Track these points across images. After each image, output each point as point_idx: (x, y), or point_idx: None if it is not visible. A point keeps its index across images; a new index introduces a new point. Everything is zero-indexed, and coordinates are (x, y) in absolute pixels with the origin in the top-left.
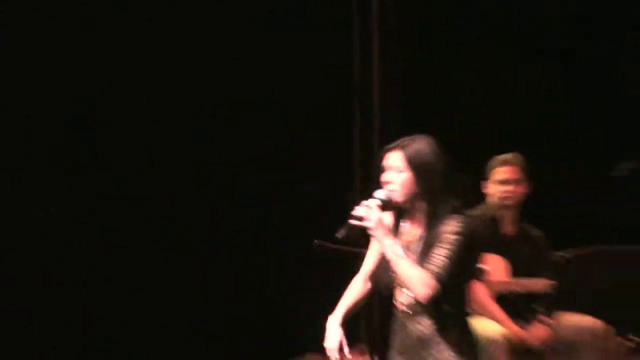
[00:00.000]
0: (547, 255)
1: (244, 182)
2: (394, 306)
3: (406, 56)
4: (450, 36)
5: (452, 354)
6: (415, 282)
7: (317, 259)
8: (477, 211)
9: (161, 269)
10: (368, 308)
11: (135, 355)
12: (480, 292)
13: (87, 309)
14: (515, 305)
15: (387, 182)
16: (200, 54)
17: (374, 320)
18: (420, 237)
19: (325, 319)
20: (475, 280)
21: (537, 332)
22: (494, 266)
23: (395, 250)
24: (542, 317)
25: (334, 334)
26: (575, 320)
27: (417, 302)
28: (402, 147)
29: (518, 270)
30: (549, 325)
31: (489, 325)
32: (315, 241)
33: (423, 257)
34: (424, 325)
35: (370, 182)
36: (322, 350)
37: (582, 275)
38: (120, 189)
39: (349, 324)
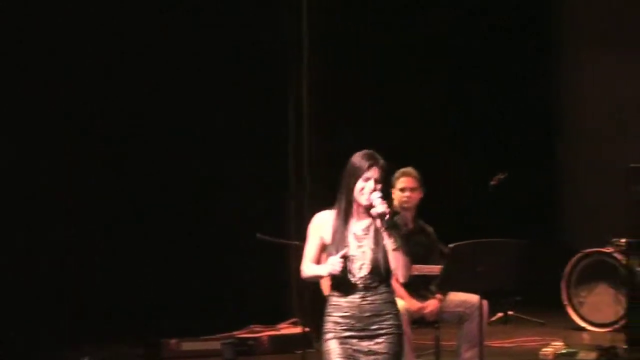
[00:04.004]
0: (437, 246)
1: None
2: (346, 284)
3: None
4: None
5: (395, 323)
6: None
7: (259, 248)
8: None
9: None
10: (300, 289)
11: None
12: None
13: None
14: (414, 285)
15: (375, 190)
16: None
17: (305, 296)
18: (369, 228)
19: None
20: None
21: (430, 306)
22: None
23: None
24: (434, 294)
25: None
26: (460, 297)
27: (374, 278)
28: (379, 164)
29: (416, 258)
30: (439, 300)
31: None
32: (258, 235)
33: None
34: (379, 298)
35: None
36: (263, 322)
37: (463, 261)
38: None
39: (284, 300)
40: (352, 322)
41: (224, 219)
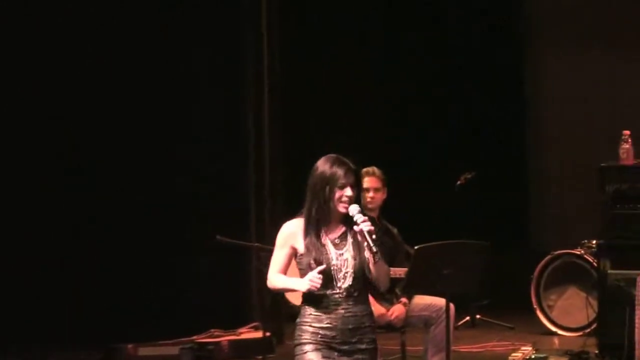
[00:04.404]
0: (402, 247)
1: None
2: (328, 294)
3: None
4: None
5: (373, 337)
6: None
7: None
8: None
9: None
10: (261, 292)
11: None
12: None
13: None
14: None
15: (352, 196)
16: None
17: (267, 300)
18: (345, 235)
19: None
20: None
21: (397, 312)
22: None
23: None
24: (400, 298)
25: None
26: (425, 300)
27: (357, 288)
28: (352, 168)
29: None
30: (405, 305)
31: None
32: (217, 236)
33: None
34: (361, 310)
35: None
36: (223, 327)
37: (429, 263)
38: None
39: (244, 304)
40: (334, 334)
41: (183, 221)
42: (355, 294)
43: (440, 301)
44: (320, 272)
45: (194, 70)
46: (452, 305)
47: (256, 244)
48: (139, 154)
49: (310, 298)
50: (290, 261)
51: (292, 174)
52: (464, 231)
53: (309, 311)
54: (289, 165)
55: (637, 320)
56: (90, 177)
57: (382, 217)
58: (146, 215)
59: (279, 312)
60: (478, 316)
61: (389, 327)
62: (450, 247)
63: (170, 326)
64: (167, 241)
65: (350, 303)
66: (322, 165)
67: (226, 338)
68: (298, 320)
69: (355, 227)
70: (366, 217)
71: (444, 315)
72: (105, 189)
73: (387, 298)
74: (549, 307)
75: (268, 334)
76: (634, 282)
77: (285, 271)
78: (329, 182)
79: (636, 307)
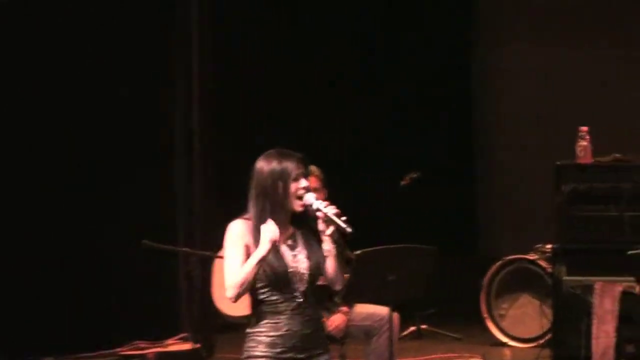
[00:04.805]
0: (342, 252)
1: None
2: (284, 299)
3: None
4: None
5: (327, 345)
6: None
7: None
8: None
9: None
10: (190, 301)
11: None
12: None
13: None
14: (316, 297)
15: (307, 188)
16: None
17: (195, 310)
18: (295, 235)
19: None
20: None
21: (336, 322)
22: None
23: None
24: (340, 307)
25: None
26: (367, 309)
27: (313, 292)
28: (300, 158)
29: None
30: (345, 314)
31: None
32: (143, 241)
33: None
34: (316, 315)
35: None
36: (149, 338)
37: (371, 270)
38: None
39: (172, 314)
40: (294, 342)
41: (106, 227)
42: (312, 298)
43: (383, 310)
44: (276, 275)
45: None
46: (395, 315)
47: (185, 249)
48: (66, 158)
49: (265, 305)
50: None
51: (222, 181)
52: (409, 235)
53: (264, 319)
54: (217, 172)
55: (594, 331)
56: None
57: None
58: (70, 220)
59: (209, 323)
60: (424, 326)
61: (328, 338)
62: (394, 252)
63: (92, 338)
64: (90, 248)
65: (308, 307)
66: (268, 162)
67: (152, 350)
68: (249, 330)
69: (318, 214)
70: (327, 202)
71: (387, 325)
72: (25, 194)
73: (326, 307)
74: (500, 316)
75: (197, 345)
76: (591, 290)
77: None
78: (282, 178)
79: (593, 317)
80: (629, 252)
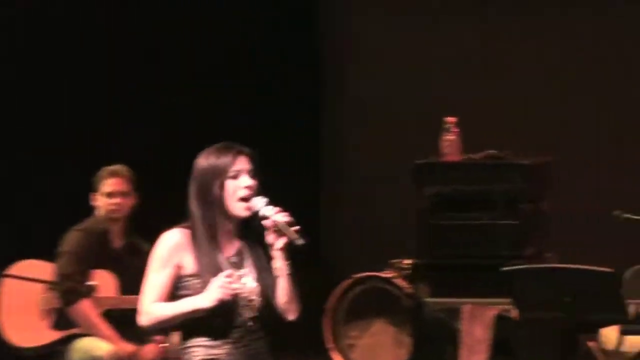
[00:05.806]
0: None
1: None
2: (226, 326)
3: None
4: None
5: None
6: (297, 295)
7: None
8: (86, 224)
9: None
10: None
11: None
12: (87, 309)
13: None
14: (125, 322)
15: (251, 187)
16: None
17: None
18: (241, 251)
19: None
20: (84, 298)
21: (148, 349)
22: (102, 282)
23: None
24: (154, 336)
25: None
26: None
27: (261, 318)
28: (245, 151)
29: (127, 286)
30: (162, 344)
31: (96, 344)
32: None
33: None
34: (261, 345)
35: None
36: None
37: None
38: None
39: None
40: None
41: None
42: (258, 326)
43: None
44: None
45: None
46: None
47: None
48: None
49: (200, 326)
50: (172, 286)
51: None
52: None
53: (198, 337)
54: None
55: None
56: None
57: (131, 229)
58: None
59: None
60: None
61: None
62: None
63: None
64: None
65: (253, 338)
66: (206, 158)
67: None
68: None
69: (266, 222)
70: (279, 208)
71: None
72: None
73: (137, 334)
74: (349, 346)
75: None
76: (458, 314)
77: (167, 299)
78: (218, 175)
79: (461, 346)
80: (503, 269)
